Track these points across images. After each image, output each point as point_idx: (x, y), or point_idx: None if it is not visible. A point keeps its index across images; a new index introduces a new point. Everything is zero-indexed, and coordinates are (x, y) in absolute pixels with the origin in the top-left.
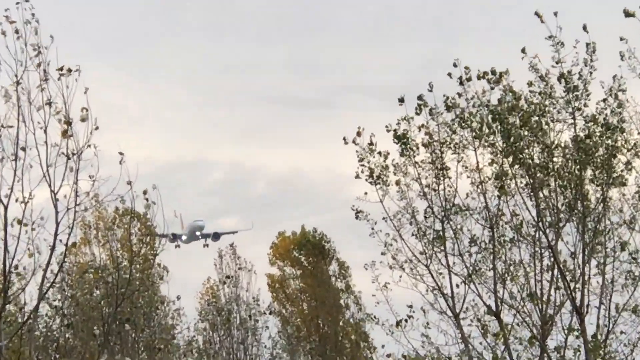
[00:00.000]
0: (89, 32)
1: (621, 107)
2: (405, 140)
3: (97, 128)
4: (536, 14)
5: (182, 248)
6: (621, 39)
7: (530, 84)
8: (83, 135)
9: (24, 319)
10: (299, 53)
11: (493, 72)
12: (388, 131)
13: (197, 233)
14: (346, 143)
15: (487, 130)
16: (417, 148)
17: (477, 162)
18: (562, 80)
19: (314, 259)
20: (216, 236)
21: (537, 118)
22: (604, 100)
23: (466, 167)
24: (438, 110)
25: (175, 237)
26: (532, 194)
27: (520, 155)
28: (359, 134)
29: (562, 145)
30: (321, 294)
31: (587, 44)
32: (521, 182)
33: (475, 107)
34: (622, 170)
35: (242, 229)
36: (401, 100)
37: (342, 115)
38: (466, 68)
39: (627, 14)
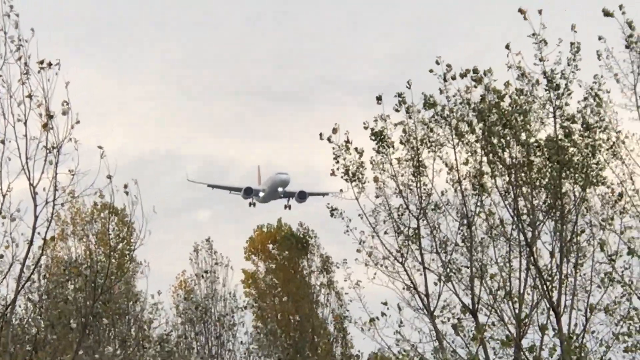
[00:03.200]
0: (64, 25)
1: (601, 106)
2: (382, 137)
3: (78, 122)
4: (520, 11)
5: (157, 239)
6: (599, 38)
7: (507, 84)
8: (62, 129)
9: (2, 310)
10: (276, 47)
11: (475, 71)
12: (365, 128)
13: (280, 189)
14: (322, 139)
15: (467, 128)
16: (393, 146)
17: (456, 160)
18: (545, 78)
19: (290, 254)
20: (302, 196)
21: (518, 116)
22: (585, 99)
23: (446, 164)
24: (416, 108)
25: (251, 193)
26: (509, 192)
27: (500, 154)
28: (334, 130)
29: (542, 144)
30: (295, 289)
31: (572, 43)
32: (500, 181)
33: (457, 104)
34: (600, 169)
35: (331, 191)
36: (379, 99)
37: (319, 109)
38: (448, 66)
39: (607, 14)
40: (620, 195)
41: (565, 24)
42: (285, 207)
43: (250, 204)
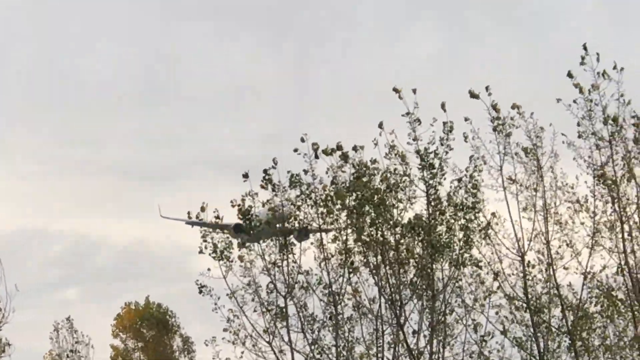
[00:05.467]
0: None
1: (476, 187)
2: (249, 216)
3: None
4: (394, 89)
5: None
6: (466, 120)
7: (374, 161)
8: None
9: None
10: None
11: (339, 147)
12: (233, 206)
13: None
14: (190, 218)
15: (334, 207)
16: (261, 224)
17: (322, 238)
18: (418, 157)
19: (158, 333)
20: (303, 233)
21: (388, 194)
22: (459, 179)
23: (312, 243)
24: (283, 186)
25: (241, 230)
26: (378, 270)
27: (368, 232)
28: (202, 209)
29: (413, 222)
30: None
31: (444, 123)
32: (366, 259)
33: (323, 182)
34: (469, 249)
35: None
36: (245, 176)
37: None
38: (314, 144)
39: (473, 95)
40: (496, 274)
41: (436, 105)
42: (282, 247)
43: (240, 244)
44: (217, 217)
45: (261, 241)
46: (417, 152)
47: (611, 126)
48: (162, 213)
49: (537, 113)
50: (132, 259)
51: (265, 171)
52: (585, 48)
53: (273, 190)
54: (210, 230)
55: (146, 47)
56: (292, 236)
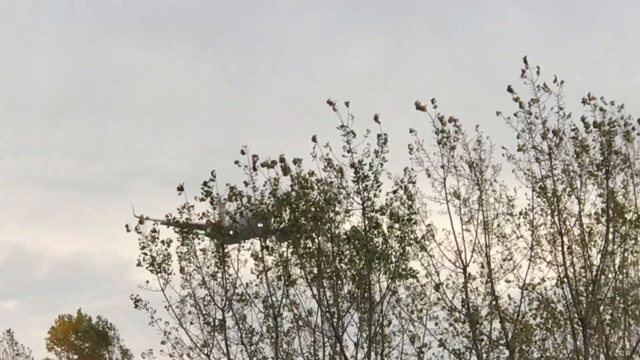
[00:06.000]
0: None
1: (410, 199)
2: (186, 229)
3: None
4: (329, 102)
5: None
6: (411, 131)
7: (311, 173)
8: None
9: None
10: (85, 136)
11: (282, 160)
12: (169, 220)
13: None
14: (128, 231)
15: (273, 219)
16: (199, 237)
17: (262, 250)
18: (353, 169)
19: (94, 345)
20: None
21: (325, 207)
22: (394, 192)
23: (252, 255)
24: (221, 199)
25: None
26: (315, 283)
27: (305, 244)
28: (141, 221)
29: (349, 234)
30: None
31: (379, 135)
32: (305, 271)
33: (263, 195)
34: (406, 261)
35: None
36: (180, 189)
37: (128, 200)
38: (254, 156)
39: (418, 107)
40: (437, 286)
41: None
42: (263, 247)
43: (218, 245)
44: (154, 231)
45: (242, 242)
46: (352, 165)
47: (551, 140)
48: (135, 213)
49: (478, 126)
50: (72, 271)
51: (205, 183)
52: (525, 61)
53: (211, 203)
54: (186, 230)
55: (83, 58)
56: (273, 237)
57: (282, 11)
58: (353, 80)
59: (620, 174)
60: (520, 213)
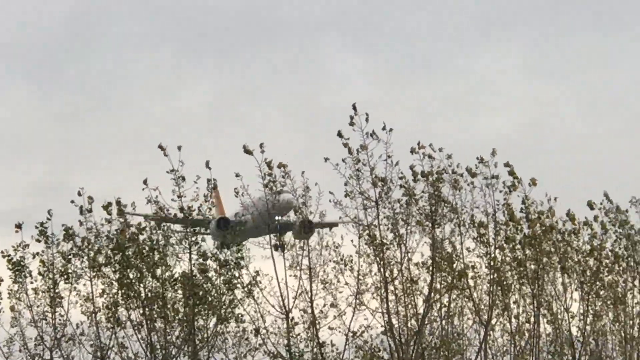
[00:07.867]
0: None
1: (239, 244)
2: (19, 267)
3: None
4: (160, 147)
5: None
6: (237, 175)
7: (146, 217)
8: None
9: None
10: None
11: (118, 203)
12: (3, 257)
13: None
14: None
15: (103, 260)
16: (31, 276)
17: (92, 292)
18: (182, 213)
19: None
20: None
21: (154, 250)
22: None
23: (82, 296)
24: (56, 239)
25: (227, 225)
26: (143, 326)
27: (135, 287)
28: None
29: (178, 278)
30: None
31: (208, 180)
32: (134, 314)
33: (95, 236)
34: (234, 307)
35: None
36: (18, 227)
37: None
38: (89, 198)
39: (247, 152)
40: (257, 330)
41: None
42: (277, 247)
43: (219, 246)
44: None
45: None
46: (181, 209)
47: (381, 188)
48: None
49: (306, 172)
50: None
51: (41, 224)
52: (354, 108)
53: (46, 242)
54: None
55: None
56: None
57: (120, 51)
58: (187, 120)
59: (448, 223)
60: (343, 259)
